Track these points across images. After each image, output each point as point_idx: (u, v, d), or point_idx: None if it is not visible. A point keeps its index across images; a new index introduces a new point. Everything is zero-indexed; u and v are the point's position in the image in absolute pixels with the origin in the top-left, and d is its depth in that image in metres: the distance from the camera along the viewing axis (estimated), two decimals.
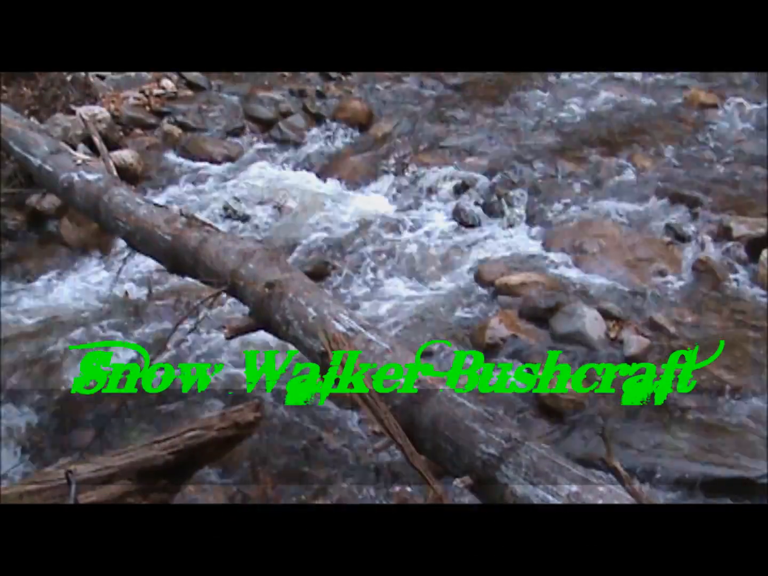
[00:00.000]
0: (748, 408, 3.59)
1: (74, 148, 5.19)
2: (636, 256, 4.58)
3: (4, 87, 5.82)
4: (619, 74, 6.57)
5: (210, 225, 3.73)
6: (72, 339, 4.16)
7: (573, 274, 4.51)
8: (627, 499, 2.15)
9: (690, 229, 4.79)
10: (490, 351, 3.94)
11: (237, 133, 6.15)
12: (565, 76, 6.62)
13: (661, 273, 4.49)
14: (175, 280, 4.34)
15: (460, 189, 5.31)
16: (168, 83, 6.55)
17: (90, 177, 4.35)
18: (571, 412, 3.56)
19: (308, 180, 5.54)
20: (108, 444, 3.32)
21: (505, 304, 4.27)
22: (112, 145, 5.47)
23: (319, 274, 4.53)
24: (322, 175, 5.64)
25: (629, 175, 5.35)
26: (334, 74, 6.87)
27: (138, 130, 6.06)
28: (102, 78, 6.43)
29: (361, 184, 5.53)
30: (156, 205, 4.07)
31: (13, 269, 4.82)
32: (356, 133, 6.14)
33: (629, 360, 3.84)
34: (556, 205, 5.14)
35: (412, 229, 5.08)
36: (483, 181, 5.35)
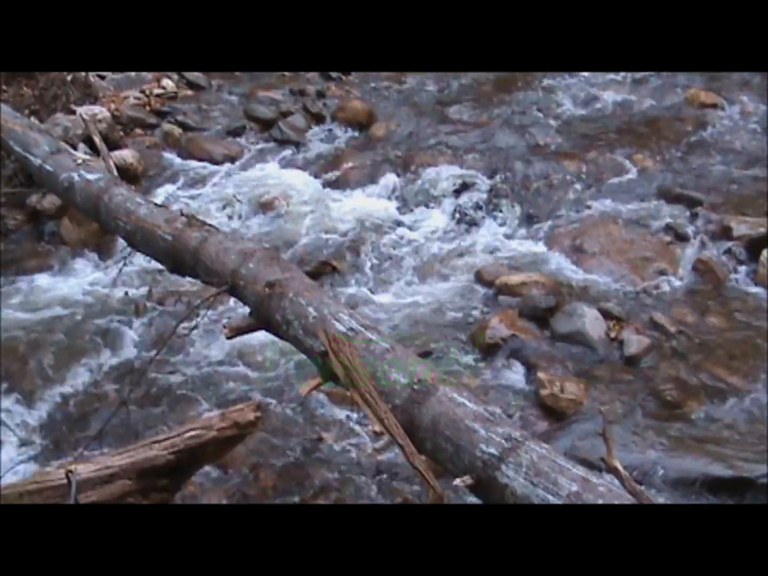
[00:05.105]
0: (748, 408, 3.59)
1: (74, 148, 5.19)
2: (636, 256, 4.59)
3: (4, 87, 5.82)
4: (619, 74, 6.57)
5: (210, 225, 3.73)
6: (72, 339, 4.17)
7: (573, 274, 4.51)
8: (627, 499, 2.15)
9: (690, 229, 4.79)
10: (491, 350, 3.94)
11: (237, 132, 6.14)
12: (565, 76, 6.62)
13: (661, 273, 4.49)
14: (175, 279, 4.33)
15: (460, 189, 5.31)
16: (168, 83, 6.56)
17: (90, 177, 4.35)
18: (571, 412, 3.56)
19: (308, 180, 5.54)
20: (108, 444, 3.32)
21: (506, 303, 4.27)
22: (113, 145, 5.47)
23: (319, 274, 4.53)
24: (322, 175, 5.64)
25: (629, 175, 5.35)
26: (334, 74, 6.87)
27: (138, 130, 6.06)
28: (102, 78, 6.43)
29: (361, 184, 5.52)
30: (156, 204, 4.07)
31: (13, 269, 4.82)
32: (356, 133, 6.14)
33: (629, 360, 3.84)
34: (556, 205, 5.14)
35: (412, 229, 5.08)
36: (483, 181, 5.35)
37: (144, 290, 4.46)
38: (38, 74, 5.88)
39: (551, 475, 2.21)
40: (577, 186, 5.28)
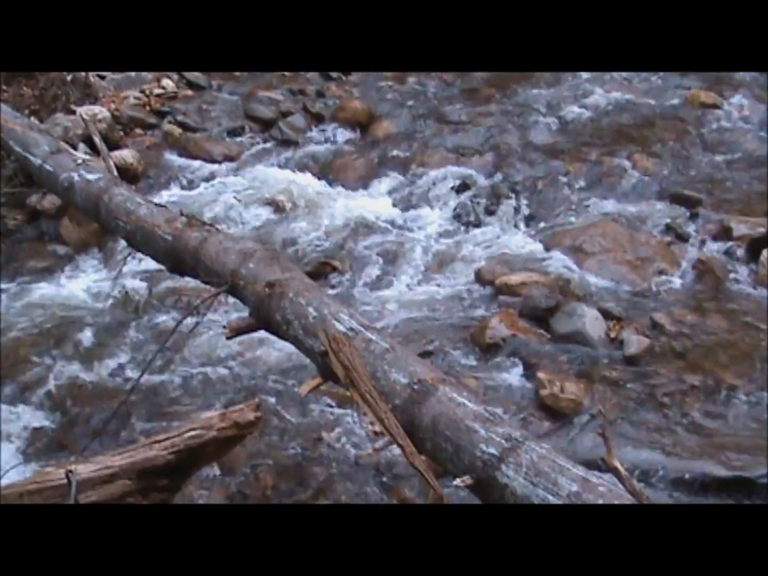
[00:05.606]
0: (748, 408, 3.59)
1: (74, 148, 5.20)
2: (636, 256, 4.58)
3: (4, 87, 5.82)
4: (619, 74, 6.57)
5: (210, 225, 3.73)
6: (72, 339, 4.17)
7: (573, 274, 4.50)
8: (627, 499, 2.15)
9: (690, 229, 4.80)
10: (491, 350, 3.94)
11: (237, 132, 6.15)
12: (565, 76, 6.62)
13: (661, 273, 4.49)
14: (175, 279, 4.33)
15: (460, 189, 5.32)
16: (168, 83, 6.56)
17: (90, 177, 4.35)
18: (571, 412, 3.56)
19: (308, 180, 5.54)
20: (108, 444, 3.32)
21: (506, 303, 4.27)
22: (113, 145, 5.48)
23: (319, 274, 4.53)
24: (322, 175, 5.64)
25: (629, 175, 5.35)
26: (334, 74, 6.87)
27: (138, 130, 6.06)
28: (102, 78, 6.43)
29: (361, 184, 5.53)
30: (156, 204, 4.07)
31: (14, 269, 4.82)
32: (356, 133, 6.14)
33: (629, 360, 3.84)
34: (556, 205, 5.14)
35: (412, 229, 5.08)
36: (483, 181, 5.35)
37: (144, 290, 4.46)
38: (38, 74, 5.88)
39: (551, 475, 2.20)
40: (577, 186, 5.28)
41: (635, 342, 3.90)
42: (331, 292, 4.29)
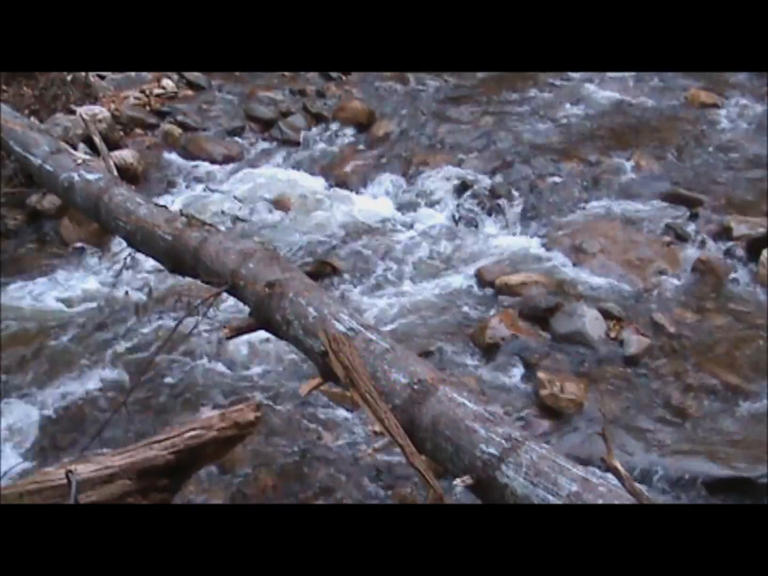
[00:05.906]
0: (749, 408, 3.59)
1: (74, 148, 5.19)
2: (636, 256, 4.58)
3: (4, 87, 5.82)
4: (619, 74, 6.57)
5: (210, 224, 3.73)
6: (72, 339, 4.16)
7: (573, 274, 4.51)
8: (627, 499, 2.15)
9: (690, 229, 4.80)
10: (491, 350, 3.94)
11: (237, 132, 6.16)
12: (565, 76, 6.62)
13: (661, 273, 4.49)
14: (175, 279, 4.33)
15: (460, 189, 5.32)
16: (168, 83, 6.56)
17: (90, 177, 4.35)
18: (571, 412, 3.56)
19: (308, 180, 5.54)
20: (108, 444, 3.32)
21: (506, 303, 4.27)
22: (113, 145, 5.47)
23: (319, 274, 4.53)
24: (322, 175, 5.64)
25: (629, 175, 5.36)
26: (334, 74, 6.87)
27: (138, 130, 6.07)
28: (102, 78, 6.44)
29: (361, 184, 5.53)
30: (156, 204, 4.07)
31: (13, 269, 4.82)
32: (356, 133, 6.14)
33: (629, 360, 3.84)
34: (556, 204, 5.14)
35: (412, 229, 5.08)
36: (483, 181, 5.35)
37: (144, 290, 4.46)
38: (38, 74, 5.88)
39: (551, 475, 2.20)
40: (577, 186, 5.28)
41: (635, 342, 3.90)
42: (331, 292, 4.28)
